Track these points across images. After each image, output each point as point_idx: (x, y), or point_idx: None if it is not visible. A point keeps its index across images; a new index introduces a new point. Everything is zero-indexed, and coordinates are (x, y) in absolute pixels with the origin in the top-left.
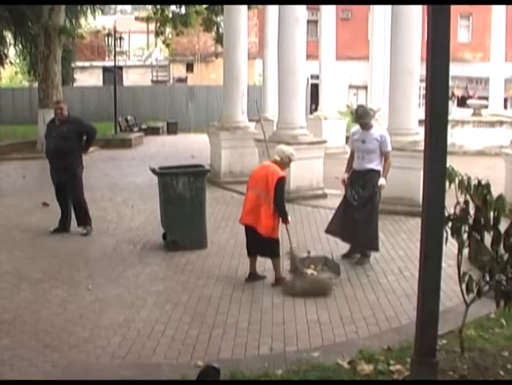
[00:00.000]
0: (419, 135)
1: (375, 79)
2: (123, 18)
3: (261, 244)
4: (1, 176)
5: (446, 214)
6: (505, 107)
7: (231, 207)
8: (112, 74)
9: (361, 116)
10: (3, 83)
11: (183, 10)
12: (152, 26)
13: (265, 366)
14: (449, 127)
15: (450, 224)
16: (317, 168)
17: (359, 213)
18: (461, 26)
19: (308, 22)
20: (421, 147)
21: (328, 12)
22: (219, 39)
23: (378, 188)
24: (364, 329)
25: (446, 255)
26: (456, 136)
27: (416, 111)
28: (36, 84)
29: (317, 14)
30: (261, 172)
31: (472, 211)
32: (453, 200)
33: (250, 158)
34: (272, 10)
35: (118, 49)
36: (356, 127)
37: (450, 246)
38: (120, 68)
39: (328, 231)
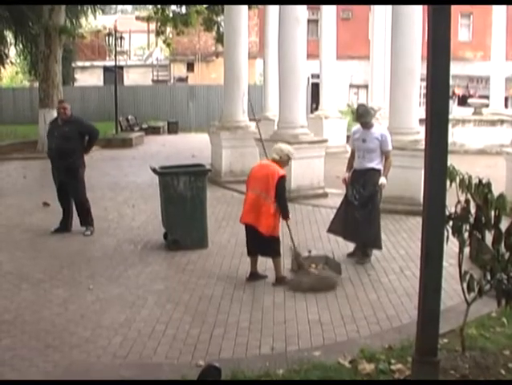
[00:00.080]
0: (419, 134)
1: (375, 78)
2: (123, 18)
3: (261, 243)
4: (1, 175)
5: (447, 213)
6: (506, 105)
7: (232, 206)
8: (113, 74)
9: (362, 115)
10: (4, 82)
11: (183, 9)
12: (152, 26)
13: (266, 365)
14: (450, 126)
15: (451, 223)
16: (318, 167)
17: (360, 212)
18: (462, 25)
19: (309, 21)
20: (422, 146)
21: (329, 11)
22: (220, 39)
23: (379, 188)
24: (365, 328)
25: (447, 254)
26: (457, 135)
27: (417, 110)
28: (37, 84)
29: (317, 13)
30: (261, 171)
31: (473, 210)
32: (453, 199)
33: (251, 157)
34: (273, 9)
35: (118, 48)
36: (357, 127)
37: (451, 245)
38: (121, 68)
39: (330, 230)
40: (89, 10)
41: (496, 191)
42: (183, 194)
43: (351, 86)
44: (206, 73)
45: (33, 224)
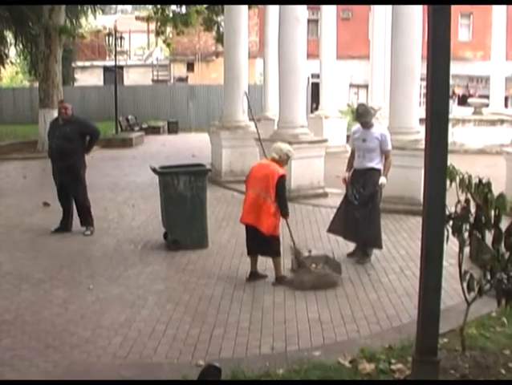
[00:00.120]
0: (420, 133)
1: (375, 78)
2: (123, 18)
3: (262, 243)
4: (1, 176)
5: (447, 213)
6: (506, 105)
7: (232, 206)
8: (113, 74)
9: (362, 115)
10: (4, 82)
11: (183, 9)
12: (152, 26)
13: (266, 365)
14: (450, 125)
15: (451, 222)
16: (318, 166)
17: (360, 212)
18: (462, 24)
19: (309, 21)
20: (422, 145)
21: (329, 11)
22: (220, 39)
23: (379, 187)
24: (365, 328)
25: (447, 254)
26: (457, 135)
27: (417, 110)
28: (37, 84)
29: (317, 13)
30: (260, 171)
31: (473, 209)
32: (453, 198)
33: (251, 157)
34: (273, 9)
35: (118, 48)
36: (357, 126)
37: (451, 245)
38: (121, 68)
39: (330, 230)
40: (89, 10)
41: (496, 190)
42: (183, 194)
43: (351, 86)
44: (206, 73)
45: (33, 225)
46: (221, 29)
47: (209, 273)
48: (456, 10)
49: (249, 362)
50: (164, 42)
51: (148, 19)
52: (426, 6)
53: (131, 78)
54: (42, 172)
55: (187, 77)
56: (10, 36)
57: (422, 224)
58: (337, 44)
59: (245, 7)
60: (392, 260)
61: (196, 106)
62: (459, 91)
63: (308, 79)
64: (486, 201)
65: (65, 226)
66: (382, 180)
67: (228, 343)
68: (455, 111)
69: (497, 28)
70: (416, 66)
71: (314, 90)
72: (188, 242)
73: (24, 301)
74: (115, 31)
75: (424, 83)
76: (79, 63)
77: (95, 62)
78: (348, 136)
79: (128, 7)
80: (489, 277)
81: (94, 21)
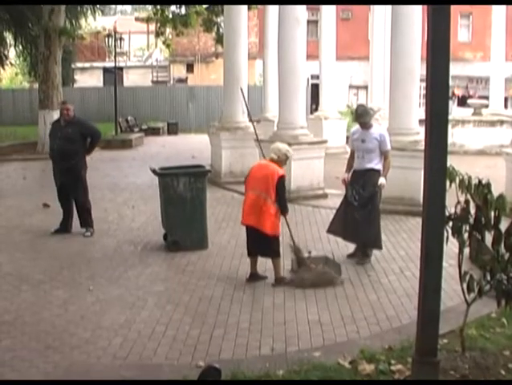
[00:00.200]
0: (419, 134)
1: (375, 78)
2: (123, 19)
3: (262, 244)
4: (1, 177)
5: (447, 214)
6: (506, 106)
7: (232, 207)
8: (113, 75)
9: (361, 115)
10: (4, 84)
11: (183, 10)
12: (152, 27)
13: (266, 366)
14: (450, 126)
15: (451, 223)
16: (317, 167)
17: (359, 213)
18: (462, 25)
19: (308, 22)
20: (422, 146)
21: (328, 12)
22: (219, 40)
23: (378, 188)
24: (365, 328)
25: (447, 254)
26: (456, 136)
27: (417, 111)
28: (36, 85)
29: (317, 14)
30: (260, 171)
31: (472, 210)
32: (453, 199)
33: (251, 158)
34: (272, 10)
35: (118, 50)
36: (356, 127)
37: (451, 246)
38: (121, 69)
39: (330, 231)
40: (89, 11)
41: (496, 191)
42: (183, 195)
43: (351, 86)
44: (206, 74)
45: (33, 226)
46: (220, 30)
47: (208, 274)
48: (455, 10)
49: (249, 363)
50: (164, 43)
51: (147, 20)
52: (426, 7)
53: (130, 79)
54: (41, 173)
55: (187, 78)
56: (9, 37)
57: (422, 225)
58: (337, 45)
59: (244, 8)
60: (392, 261)
61: (195, 107)
62: (459, 92)
63: (308, 79)
64: (486, 202)
65: (65, 227)
66: (381, 180)
67: (228, 344)
68: (455, 111)
69: (497, 29)
70: (416, 67)
71: (314, 91)
72: (188, 243)
73: (24, 302)
74: (115, 32)
75: (423, 84)
76: (79, 64)
77: (95, 64)
78: (348, 137)
79: (128, 8)
80: (488, 277)
81: (93, 22)
